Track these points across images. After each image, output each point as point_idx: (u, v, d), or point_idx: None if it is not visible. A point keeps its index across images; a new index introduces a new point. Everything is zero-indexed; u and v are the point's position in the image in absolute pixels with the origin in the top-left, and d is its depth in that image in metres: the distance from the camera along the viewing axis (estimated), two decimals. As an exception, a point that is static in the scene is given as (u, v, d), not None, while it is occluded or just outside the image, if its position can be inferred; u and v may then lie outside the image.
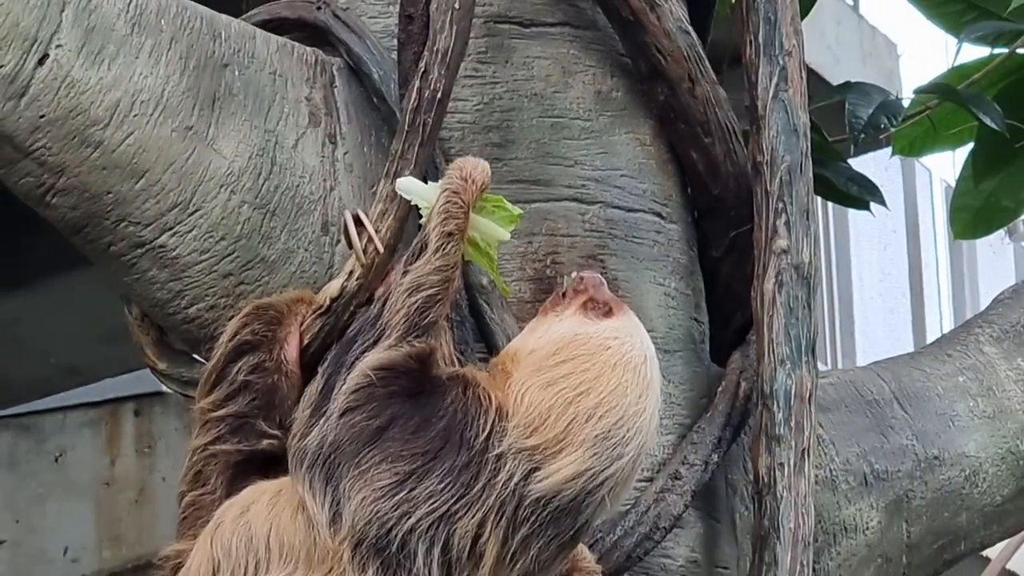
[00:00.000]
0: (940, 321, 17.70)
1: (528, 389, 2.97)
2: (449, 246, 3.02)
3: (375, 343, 3.01)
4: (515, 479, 2.93)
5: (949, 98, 4.79)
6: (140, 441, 12.47)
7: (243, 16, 3.41)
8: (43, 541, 12.52)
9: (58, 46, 3.18)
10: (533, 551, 2.94)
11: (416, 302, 3.01)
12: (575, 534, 2.96)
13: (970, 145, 5.02)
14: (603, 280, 3.08)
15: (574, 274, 3.07)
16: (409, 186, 3.10)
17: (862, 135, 4.56)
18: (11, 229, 9.27)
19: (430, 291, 3.02)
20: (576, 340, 3.01)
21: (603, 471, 2.95)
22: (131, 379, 11.52)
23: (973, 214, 5.14)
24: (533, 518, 2.93)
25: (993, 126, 4.66)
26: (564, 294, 3.06)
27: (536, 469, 2.93)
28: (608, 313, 3.04)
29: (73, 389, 11.56)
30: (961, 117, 4.92)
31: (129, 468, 12.47)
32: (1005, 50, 4.86)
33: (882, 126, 4.61)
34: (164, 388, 10.78)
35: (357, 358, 3.00)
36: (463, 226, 3.03)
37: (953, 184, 5.29)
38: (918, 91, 4.96)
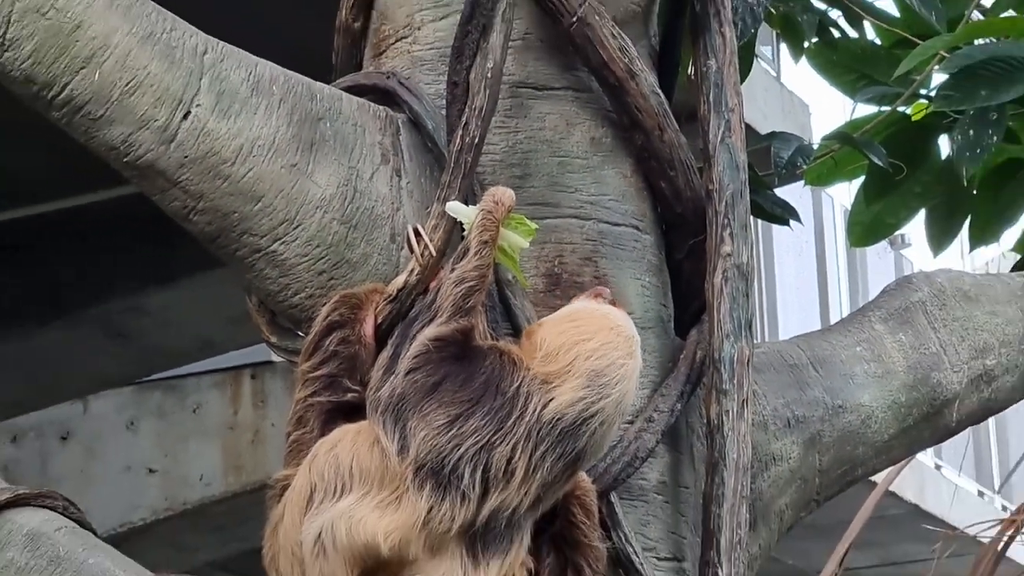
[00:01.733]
0: (840, 308, 17.60)
1: (546, 336, 3.01)
2: (485, 251, 3.05)
3: (430, 321, 3.03)
4: (538, 410, 2.94)
5: (847, 143, 4.78)
6: (255, 397, 12.42)
7: (333, 83, 3.40)
8: (184, 470, 12.47)
9: (197, 105, 3.19)
10: (547, 465, 2.94)
11: (461, 291, 3.03)
12: (575, 457, 2.97)
13: (862, 178, 5.01)
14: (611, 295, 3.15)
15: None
16: (455, 207, 3.13)
17: (783, 171, 4.57)
18: (165, 238, 9.25)
19: (471, 283, 3.04)
20: (585, 308, 3.08)
21: (595, 403, 2.97)
22: (250, 351, 11.51)
23: (864, 228, 5.12)
24: (547, 438, 2.94)
25: (879, 163, 4.67)
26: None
27: (551, 400, 2.95)
28: (604, 299, 3.10)
29: (207, 359, 11.51)
30: (856, 157, 4.92)
31: (247, 417, 12.44)
32: (888, 108, 4.85)
33: (798, 164, 4.62)
34: (275, 357, 10.80)
35: (417, 332, 3.02)
36: (495, 236, 3.06)
37: (849, 207, 5.27)
38: (824, 138, 4.97)
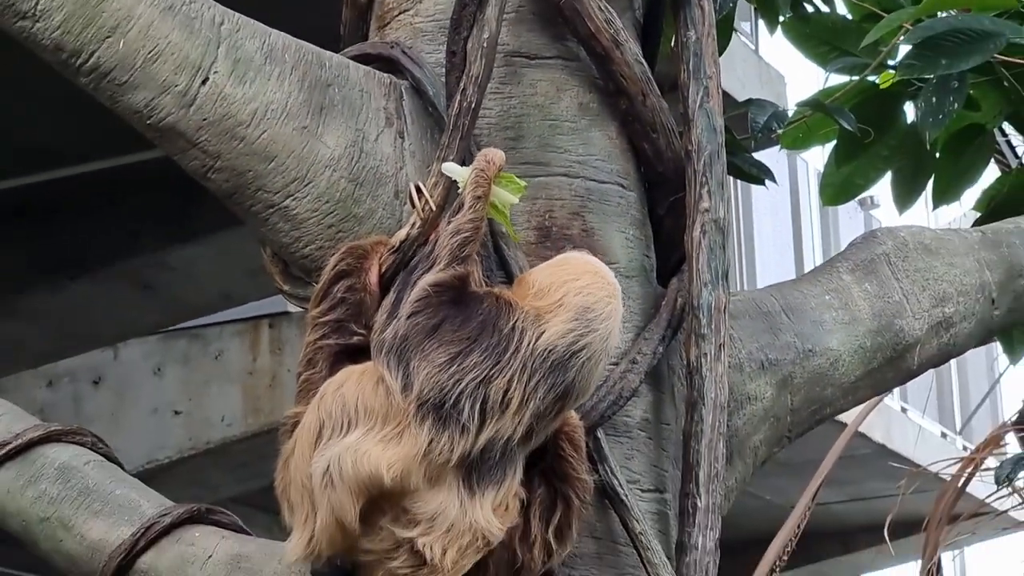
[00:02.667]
0: (813, 262, 17.64)
1: (537, 278, 3.03)
2: (478, 205, 3.06)
3: (429, 269, 3.03)
4: (532, 342, 2.95)
5: (819, 110, 4.78)
6: (273, 345, 12.44)
7: (340, 52, 3.40)
8: (207, 412, 12.51)
9: (215, 72, 3.19)
10: (539, 395, 2.95)
11: (457, 241, 3.04)
12: (565, 390, 2.97)
13: (834, 142, 5.01)
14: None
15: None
16: (451, 168, 3.14)
17: (759, 134, 4.56)
18: (187, 198, 9.26)
19: (466, 234, 3.04)
20: (571, 256, 3.10)
21: (583, 336, 2.97)
22: (267, 302, 11.54)
23: (835, 189, 5.11)
24: (540, 369, 2.94)
25: (849, 128, 4.67)
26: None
27: (542, 330, 2.96)
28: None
29: (228, 309, 11.52)
30: (828, 123, 4.91)
31: (265, 363, 12.47)
32: (857, 77, 4.85)
33: (773, 128, 4.62)
34: (291, 308, 10.79)
35: (417, 279, 3.03)
36: (487, 192, 3.07)
37: (822, 168, 5.28)
38: (799, 105, 4.95)
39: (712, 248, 3.34)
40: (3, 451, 3.63)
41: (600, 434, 3.23)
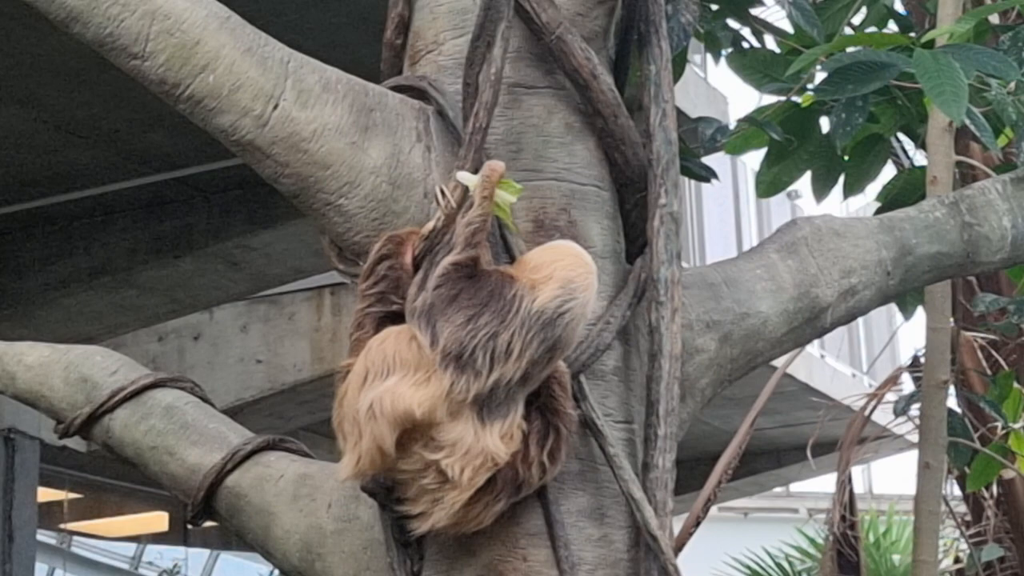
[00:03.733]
0: (750, 241, 17.67)
1: (532, 258, 3.05)
2: (485, 203, 3.05)
3: (448, 252, 3.04)
4: (527, 306, 2.96)
5: (754, 124, 4.78)
6: (334, 308, 12.47)
7: (380, 83, 3.39)
8: (282, 360, 12.52)
9: (284, 100, 3.19)
10: (534, 346, 2.95)
11: (469, 230, 3.03)
12: (554, 343, 2.98)
13: (766, 148, 5.01)
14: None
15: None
16: (465, 176, 3.13)
17: (707, 143, 4.57)
18: (267, 194, 9.28)
19: (476, 225, 3.04)
20: (559, 242, 3.12)
21: (567, 302, 2.97)
22: (330, 275, 11.57)
23: (767, 185, 5.11)
24: (535, 325, 2.95)
25: (776, 138, 4.67)
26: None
27: (535, 295, 2.96)
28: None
29: (297, 280, 11.55)
30: (760, 133, 4.91)
31: (327, 322, 12.49)
32: (784, 98, 4.84)
33: (717, 139, 4.62)
34: (345, 280, 10.81)
35: (440, 260, 3.04)
36: (491, 194, 3.06)
37: (758, 168, 5.27)
38: (738, 120, 4.95)
39: (668, 235, 3.34)
40: (121, 395, 3.64)
41: (582, 379, 3.22)
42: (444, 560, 3.19)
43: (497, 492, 3.04)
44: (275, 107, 3.19)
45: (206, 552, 18.63)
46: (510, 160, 3.28)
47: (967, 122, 3.86)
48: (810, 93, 4.93)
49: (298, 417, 12.82)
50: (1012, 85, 4.05)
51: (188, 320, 12.30)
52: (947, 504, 7.65)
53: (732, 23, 5.02)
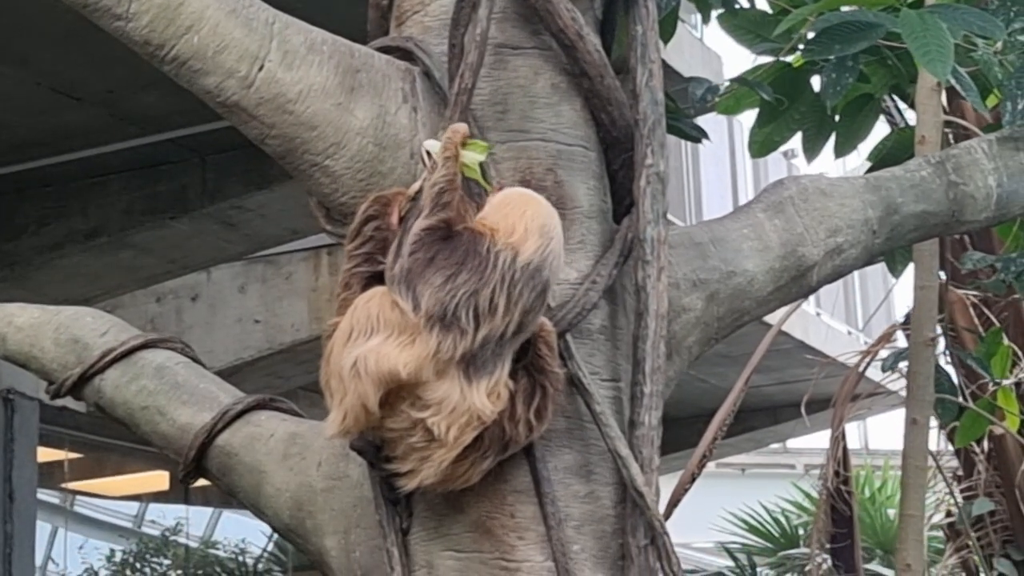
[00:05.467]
0: (746, 197, 17.67)
1: (498, 221, 3.02)
2: (447, 163, 3.05)
3: (418, 216, 3.04)
4: (507, 261, 2.95)
5: (744, 84, 4.77)
6: (331, 268, 12.46)
7: (367, 44, 3.39)
8: (280, 320, 12.52)
9: (269, 61, 3.18)
10: (525, 296, 2.96)
11: (434, 192, 3.04)
12: (544, 285, 3.00)
13: (757, 109, 5.00)
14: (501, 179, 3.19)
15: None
16: (430, 143, 3.16)
17: (697, 103, 4.56)
18: (262, 156, 9.25)
19: (441, 185, 3.04)
20: (504, 196, 3.09)
21: (547, 246, 2.99)
22: (326, 236, 11.50)
23: (759, 144, 5.09)
24: (523, 277, 2.96)
25: (767, 98, 4.66)
26: (486, 194, 3.14)
27: (517, 253, 2.96)
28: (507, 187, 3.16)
29: (294, 241, 11.53)
30: (753, 94, 4.90)
31: (325, 282, 12.48)
32: (775, 58, 4.83)
33: (707, 99, 4.61)
34: (332, 240, 10.79)
35: (411, 225, 3.05)
36: (454, 154, 3.06)
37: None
38: (730, 80, 4.94)
39: (654, 195, 3.33)
40: (112, 355, 3.65)
41: (568, 337, 3.22)
42: (433, 517, 3.21)
43: (484, 450, 3.05)
44: (260, 68, 3.18)
45: (208, 510, 18.68)
46: (496, 121, 3.28)
47: (952, 81, 3.85)
48: (799, 53, 4.93)
49: (296, 377, 12.82)
50: (999, 45, 4.04)
51: (186, 281, 12.30)
52: (935, 460, 7.68)
53: (720, -18, 5.00)
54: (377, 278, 3.12)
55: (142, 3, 3.11)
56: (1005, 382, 7.00)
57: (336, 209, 3.32)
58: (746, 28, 5.02)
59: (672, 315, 3.38)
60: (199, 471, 3.60)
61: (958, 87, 3.96)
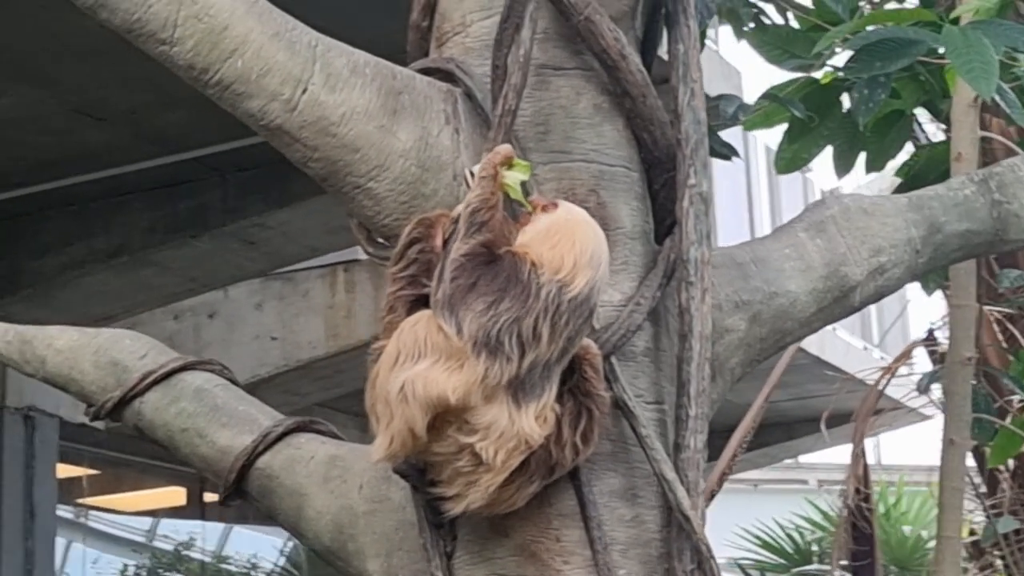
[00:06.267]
0: (760, 215, 17.68)
1: (543, 254, 2.97)
2: (484, 183, 3.02)
3: (457, 240, 3.01)
4: (553, 294, 2.92)
5: (776, 101, 4.75)
6: (347, 285, 12.44)
7: (408, 66, 3.36)
8: (296, 337, 12.49)
9: (312, 84, 3.15)
10: (572, 325, 2.94)
11: (468, 212, 3.01)
12: (590, 315, 2.97)
13: (785, 125, 4.98)
14: (541, 196, 3.13)
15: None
16: (477, 167, 3.12)
17: (729, 121, 4.54)
18: (283, 174, 9.24)
19: (475, 205, 3.01)
20: (553, 223, 3.02)
21: (594, 276, 2.96)
22: (344, 252, 11.51)
23: (787, 161, 5.10)
24: (572, 309, 2.93)
25: (799, 115, 4.64)
26: (530, 213, 3.07)
27: (566, 286, 2.93)
28: (555, 205, 3.07)
29: (312, 259, 11.51)
30: (780, 111, 4.88)
31: (341, 299, 12.46)
32: (803, 75, 4.82)
33: (739, 117, 4.60)
34: (361, 256, 10.75)
35: (451, 250, 3.01)
36: (492, 174, 3.03)
37: (771, 144, 5.23)
38: (760, 98, 4.92)
39: (697, 215, 3.31)
40: (152, 377, 3.62)
41: (613, 360, 3.20)
42: (477, 541, 3.18)
43: (531, 474, 3.02)
44: (304, 91, 3.15)
45: (221, 526, 18.67)
46: (538, 142, 3.26)
47: (996, 98, 3.82)
48: (830, 70, 4.90)
49: (313, 393, 12.80)
50: (1040, 60, 4.01)
51: (203, 298, 12.27)
52: (970, 479, 7.64)
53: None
54: (422, 301, 3.08)
55: (187, 28, 3.09)
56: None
57: (378, 231, 3.29)
58: (774, 44, 5.00)
59: (715, 336, 3.35)
60: (240, 493, 3.56)
61: (1002, 104, 3.92)
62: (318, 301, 12.37)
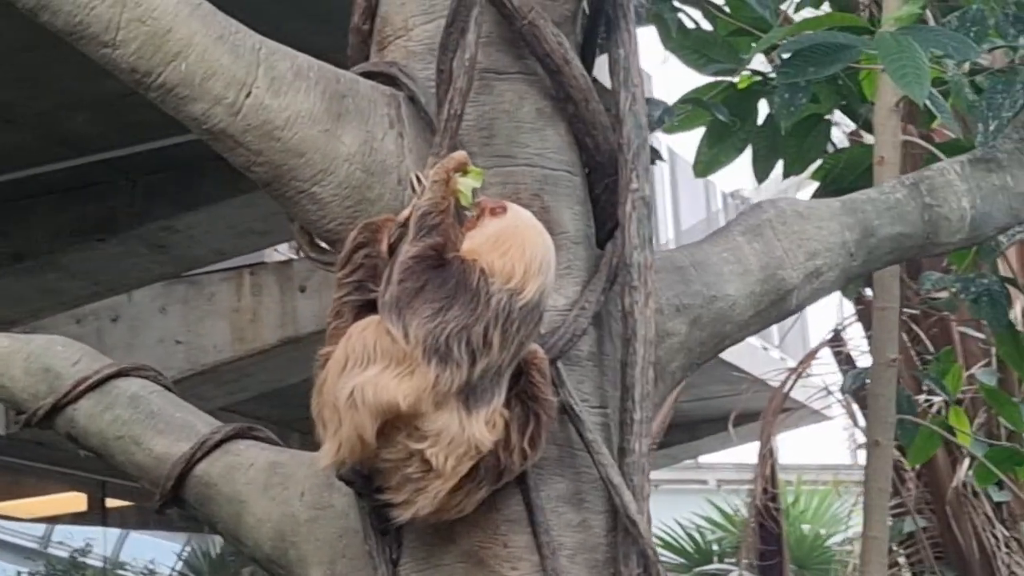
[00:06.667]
0: (666, 222, 17.73)
1: (493, 262, 2.95)
2: (435, 188, 3.01)
3: (407, 243, 3.00)
4: (504, 302, 2.91)
5: (699, 105, 4.77)
6: (253, 288, 12.36)
7: (349, 69, 3.33)
8: (201, 340, 12.39)
9: (256, 87, 3.12)
10: (522, 332, 2.93)
11: (418, 216, 3.00)
12: (539, 320, 2.97)
13: (703, 128, 4.99)
14: (488, 198, 3.10)
15: (477, 185, 3.08)
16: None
17: (656, 125, 4.54)
18: (191, 178, 9.15)
19: (425, 209, 2.99)
20: (502, 229, 3.01)
21: (544, 282, 2.96)
22: (248, 256, 11.42)
23: (705, 164, 5.09)
24: (523, 316, 2.92)
25: (723, 119, 4.66)
26: (477, 216, 3.05)
27: (517, 294, 2.92)
28: (504, 209, 3.05)
29: (218, 263, 11.42)
30: (700, 114, 4.89)
31: (247, 302, 12.38)
32: (724, 79, 4.84)
33: (665, 120, 4.60)
34: (266, 258, 10.64)
35: (400, 253, 3.00)
36: (444, 179, 3.02)
37: (677, 150, 5.24)
38: (680, 101, 4.91)
39: (640, 219, 3.30)
40: (85, 384, 3.58)
41: (559, 365, 3.19)
42: (423, 547, 3.15)
43: (479, 479, 3.00)
44: (248, 95, 3.11)
45: (118, 531, 18.49)
46: (482, 146, 3.24)
47: (928, 104, 3.85)
48: (747, 74, 4.92)
49: (218, 398, 12.68)
50: (967, 66, 4.05)
51: (107, 302, 12.13)
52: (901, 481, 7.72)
53: (678, 4, 4.98)
54: (368, 306, 3.06)
55: (130, 30, 3.04)
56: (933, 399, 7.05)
57: (322, 236, 3.26)
58: (693, 49, 5.01)
59: (657, 340, 3.34)
60: (176, 501, 3.51)
61: (933, 108, 3.95)
62: (223, 304, 12.27)
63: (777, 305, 3.60)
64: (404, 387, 2.89)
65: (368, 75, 3.31)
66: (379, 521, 3.14)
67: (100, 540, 18.08)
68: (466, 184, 3.06)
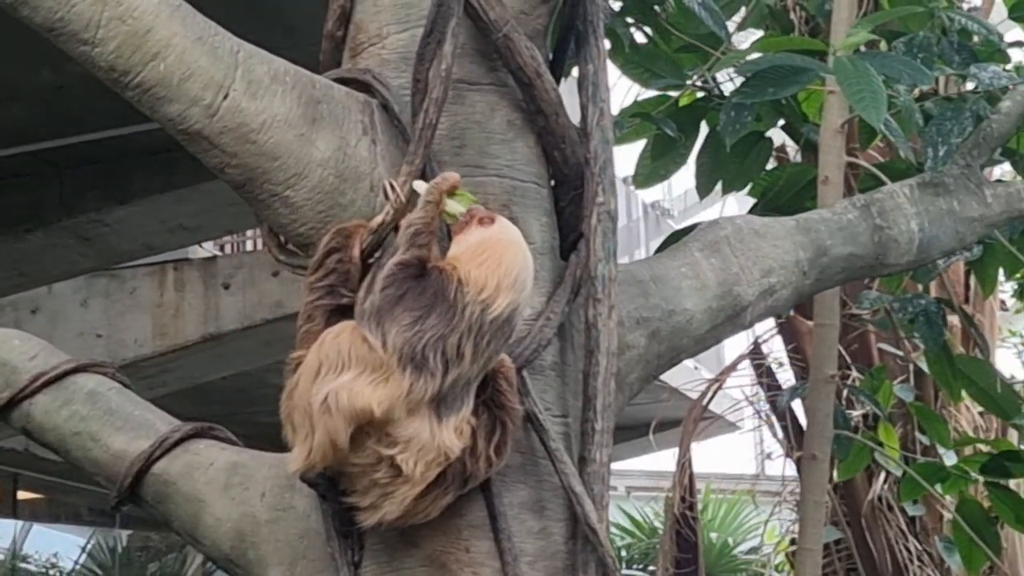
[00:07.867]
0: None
1: (470, 271, 2.96)
2: (428, 207, 3.02)
3: (394, 254, 2.99)
4: (476, 314, 2.92)
5: (646, 119, 4.82)
6: (176, 283, 12.28)
7: (324, 74, 3.33)
8: (122, 335, 12.30)
9: (234, 90, 3.12)
10: (492, 345, 2.95)
11: (410, 232, 3.00)
12: (510, 331, 2.99)
13: (643, 141, 5.02)
14: (480, 208, 3.11)
15: (463, 210, 3.07)
16: (419, 184, 3.12)
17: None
18: (123, 171, 9.08)
19: (417, 226, 3.00)
20: (484, 239, 3.02)
21: (517, 299, 2.97)
22: (172, 253, 11.35)
23: (645, 176, 5.13)
24: (493, 329, 2.94)
25: (670, 133, 4.70)
26: (466, 222, 3.06)
27: (488, 307, 2.93)
28: (492, 220, 3.07)
29: (144, 257, 11.33)
30: (644, 127, 4.92)
31: (170, 298, 12.30)
32: (671, 93, 4.88)
33: (616, 133, 4.61)
34: (191, 255, 10.56)
35: (386, 262, 2.99)
36: (437, 199, 3.03)
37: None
38: (627, 115, 4.95)
39: (605, 232, 3.34)
40: (43, 379, 3.54)
41: (524, 374, 3.21)
42: (386, 551, 3.17)
43: (446, 486, 3.02)
44: (225, 97, 3.11)
45: (19, 524, 18.28)
46: (453, 155, 3.26)
47: (882, 129, 3.91)
48: (690, 91, 4.97)
49: (139, 392, 12.60)
50: (917, 91, 4.11)
51: (26, 293, 12.00)
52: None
53: (630, 20, 5.02)
54: (340, 311, 3.07)
55: (110, 29, 3.03)
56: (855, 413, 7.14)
57: (293, 240, 3.26)
58: (638, 64, 5.05)
59: (621, 350, 3.38)
60: (133, 499, 3.50)
61: (886, 133, 4.01)
62: (145, 299, 12.18)
63: (732, 320, 3.64)
64: (378, 394, 2.91)
65: (341, 81, 3.32)
66: (341, 524, 3.15)
67: (7, 532, 17.87)
68: (454, 207, 3.08)
